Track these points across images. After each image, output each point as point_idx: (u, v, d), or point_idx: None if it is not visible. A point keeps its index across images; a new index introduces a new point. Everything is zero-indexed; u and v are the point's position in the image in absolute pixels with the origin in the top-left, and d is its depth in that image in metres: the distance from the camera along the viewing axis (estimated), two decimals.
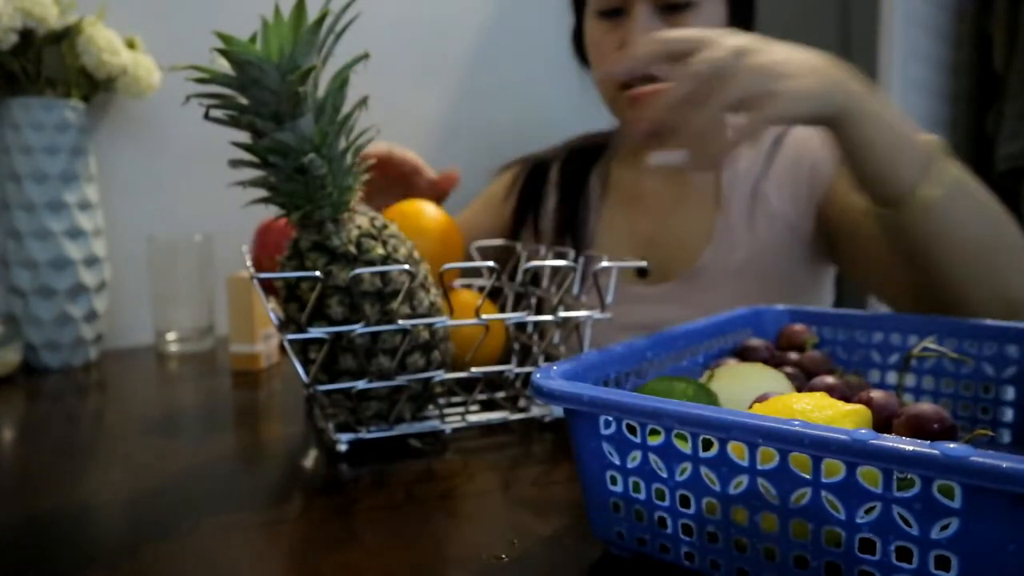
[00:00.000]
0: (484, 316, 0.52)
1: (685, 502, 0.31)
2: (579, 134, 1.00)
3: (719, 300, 0.76)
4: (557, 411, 0.56)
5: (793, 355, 0.48)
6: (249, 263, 0.54)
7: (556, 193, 0.92)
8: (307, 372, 0.49)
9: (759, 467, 0.28)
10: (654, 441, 0.31)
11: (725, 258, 0.79)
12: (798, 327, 0.52)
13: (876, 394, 0.37)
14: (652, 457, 0.32)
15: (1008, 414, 0.46)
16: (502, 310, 0.71)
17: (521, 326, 0.66)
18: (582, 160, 0.93)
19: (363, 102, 0.50)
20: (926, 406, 0.35)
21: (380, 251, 0.49)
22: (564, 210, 0.89)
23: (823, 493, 0.27)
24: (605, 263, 0.54)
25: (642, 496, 0.33)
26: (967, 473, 0.23)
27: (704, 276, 0.80)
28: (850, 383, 0.43)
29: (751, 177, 0.81)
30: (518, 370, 0.56)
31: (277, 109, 0.46)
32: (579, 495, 0.36)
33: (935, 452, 0.23)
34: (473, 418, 0.55)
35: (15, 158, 0.78)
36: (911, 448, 0.24)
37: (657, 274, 0.82)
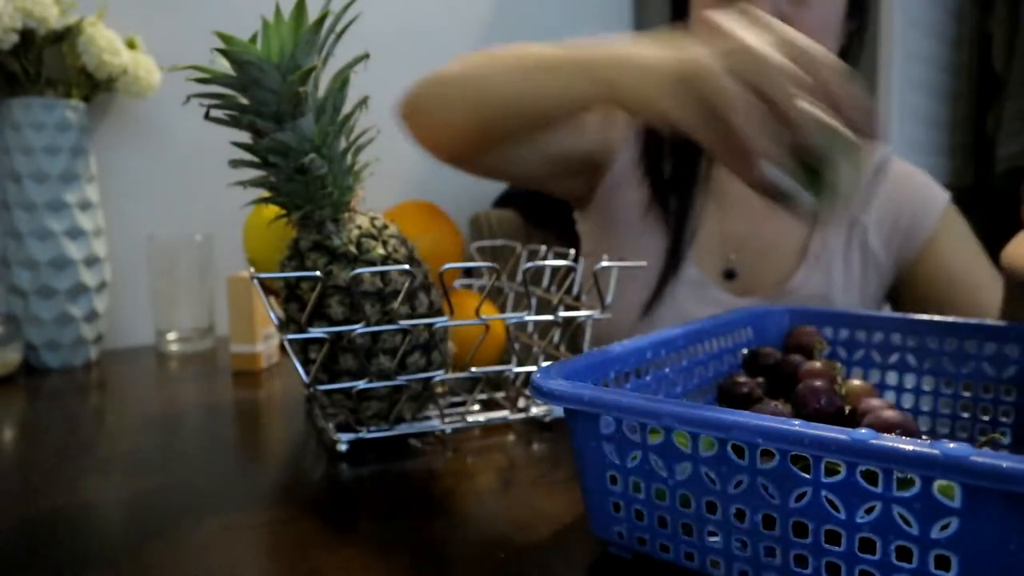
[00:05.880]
0: (484, 316, 0.52)
1: (685, 502, 0.31)
2: None
3: None
4: (557, 411, 0.56)
5: (797, 357, 0.48)
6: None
7: (669, 169, 0.81)
8: (307, 372, 0.49)
9: (759, 467, 0.28)
10: (654, 441, 0.31)
11: (818, 284, 0.76)
12: (808, 329, 0.51)
13: (866, 403, 0.37)
14: (652, 457, 0.32)
15: (1008, 414, 0.46)
16: (502, 310, 0.71)
17: (521, 326, 0.66)
18: (691, 142, 0.83)
19: (363, 102, 0.50)
20: (890, 412, 0.35)
21: (380, 251, 0.50)
22: (677, 199, 0.80)
23: (823, 493, 0.27)
24: (605, 263, 0.54)
25: (642, 496, 0.33)
26: (967, 473, 0.23)
27: (793, 298, 0.76)
28: (851, 389, 0.42)
29: (852, 205, 0.77)
30: (518, 370, 0.56)
31: (278, 109, 0.46)
32: (579, 495, 0.36)
33: (935, 452, 0.23)
34: (473, 418, 0.55)
35: (15, 158, 0.78)
36: (911, 448, 0.24)
37: (744, 282, 0.78)
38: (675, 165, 0.82)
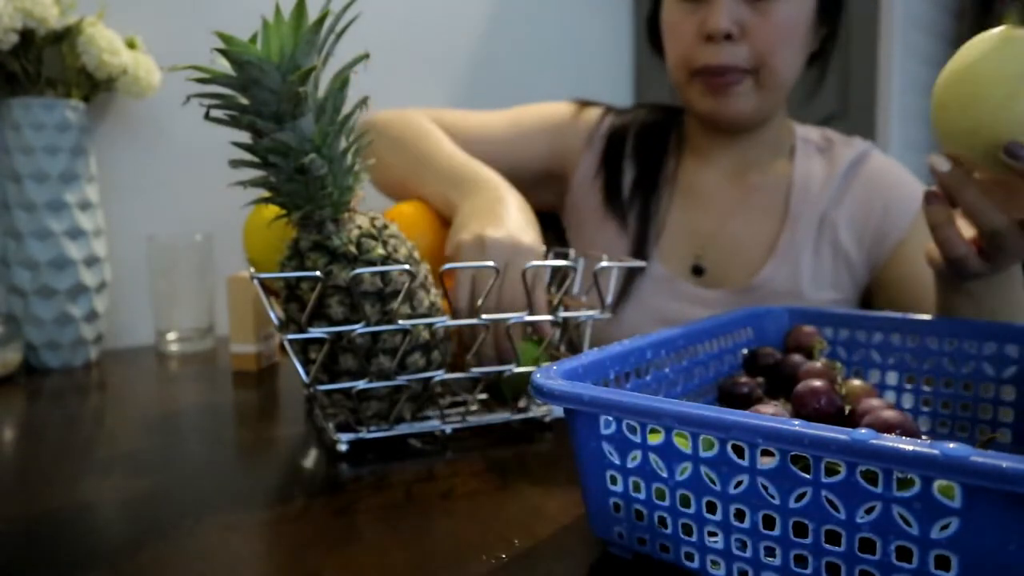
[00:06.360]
0: (484, 316, 0.52)
1: (685, 502, 0.31)
2: (647, 102, 0.93)
3: None
4: (557, 411, 0.56)
5: (797, 357, 0.48)
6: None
7: (632, 171, 0.84)
8: (307, 372, 0.49)
9: (759, 467, 0.28)
10: (654, 441, 0.31)
11: (786, 278, 0.76)
12: (808, 329, 0.51)
13: (866, 403, 0.37)
14: (652, 457, 0.32)
15: (1008, 414, 0.46)
16: None
17: None
18: (657, 143, 0.85)
19: (363, 102, 0.50)
20: (890, 412, 0.35)
21: (380, 251, 0.50)
22: (640, 199, 0.83)
23: (823, 493, 0.27)
24: (604, 263, 0.54)
25: (642, 496, 0.33)
26: (967, 473, 0.23)
27: (761, 292, 0.76)
28: (851, 389, 0.42)
29: (822, 201, 0.77)
30: (518, 370, 0.56)
31: (278, 109, 0.46)
32: (579, 495, 0.36)
33: (935, 452, 0.23)
34: (473, 418, 0.55)
35: (15, 158, 0.78)
36: (911, 448, 0.24)
37: (713, 277, 0.79)
38: (640, 165, 0.84)
